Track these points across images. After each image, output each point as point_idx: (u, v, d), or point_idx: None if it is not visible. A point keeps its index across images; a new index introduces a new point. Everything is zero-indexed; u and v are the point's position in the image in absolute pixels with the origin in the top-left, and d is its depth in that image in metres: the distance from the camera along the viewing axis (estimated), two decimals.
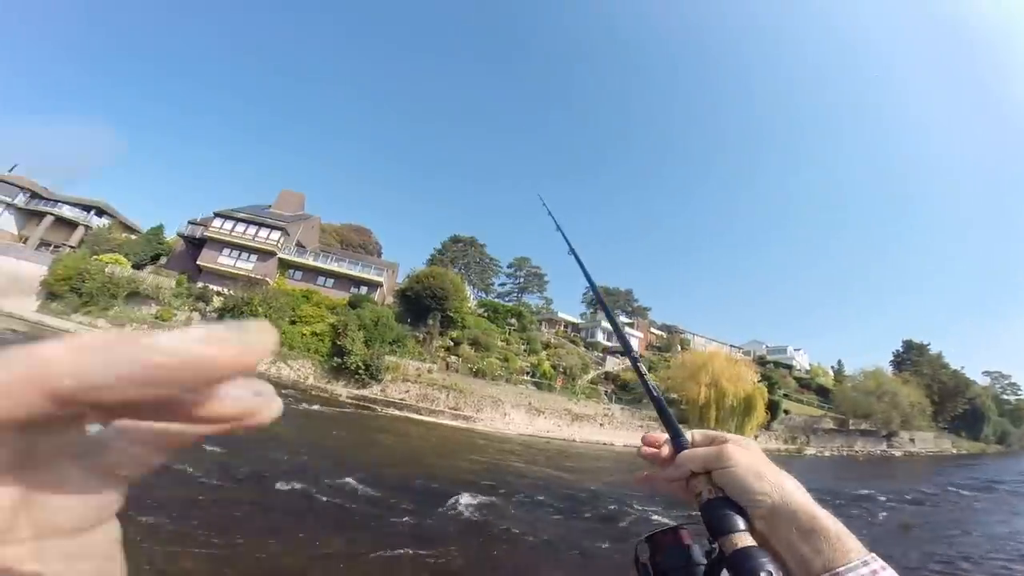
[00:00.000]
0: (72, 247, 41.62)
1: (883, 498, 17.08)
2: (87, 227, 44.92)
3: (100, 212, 47.82)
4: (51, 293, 33.38)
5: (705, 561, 0.65)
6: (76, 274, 33.30)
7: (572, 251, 1.72)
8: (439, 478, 12.13)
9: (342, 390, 30.48)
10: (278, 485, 8.71)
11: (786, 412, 45.83)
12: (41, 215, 45.00)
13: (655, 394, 0.86)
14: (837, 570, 0.55)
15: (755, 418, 38.12)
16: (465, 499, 9.77)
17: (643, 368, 0.93)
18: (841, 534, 0.58)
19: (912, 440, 51.59)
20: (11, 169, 47.29)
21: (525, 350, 42.83)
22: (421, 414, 29.38)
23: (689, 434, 0.76)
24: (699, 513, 0.68)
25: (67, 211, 45.80)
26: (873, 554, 0.57)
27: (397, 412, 28.57)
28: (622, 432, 34.79)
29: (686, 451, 0.72)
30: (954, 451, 55.10)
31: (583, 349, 48.64)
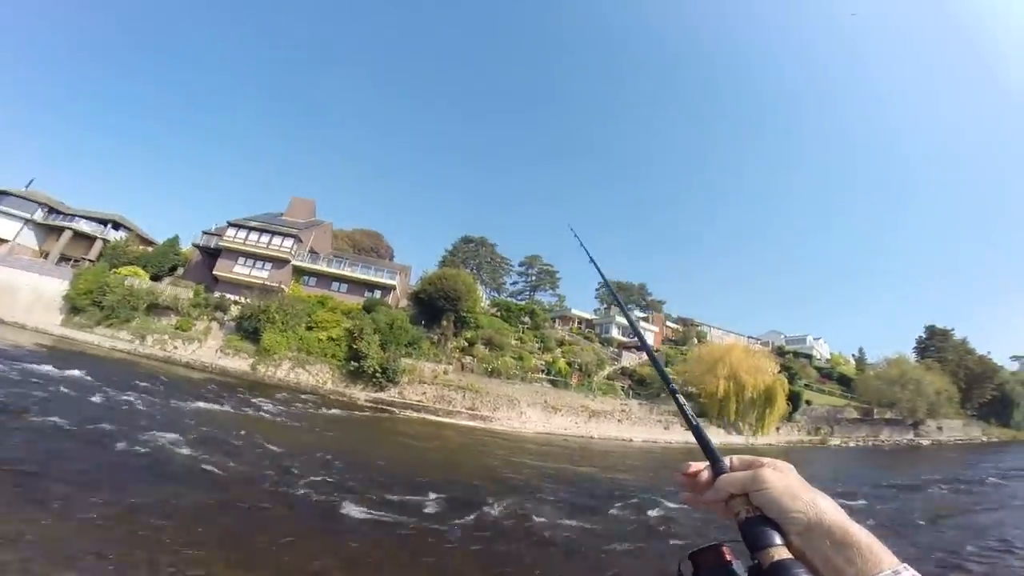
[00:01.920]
0: (91, 261, 42.48)
1: (912, 488, 16.75)
2: (105, 241, 45.74)
3: (116, 225, 48.65)
4: (74, 307, 34.18)
5: None
6: (97, 288, 34.15)
7: (592, 261, 1.92)
8: (459, 479, 12.19)
9: (360, 393, 30.75)
10: (301, 490, 8.80)
11: (808, 402, 45.23)
12: (60, 230, 45.89)
13: (693, 423, 0.92)
14: None
15: (776, 410, 37.61)
16: (486, 499, 9.80)
17: (682, 400, 0.99)
18: (873, 546, 0.63)
19: (940, 428, 50.12)
20: (28, 184, 48.22)
21: (539, 348, 42.82)
22: (438, 415, 29.55)
23: (728, 459, 0.84)
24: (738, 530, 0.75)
25: (84, 225, 46.64)
26: (905, 564, 0.61)
27: (414, 414, 28.74)
28: (640, 428, 34.67)
29: (724, 475, 0.80)
30: (984, 439, 53.17)
31: (598, 345, 48.46)
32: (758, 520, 0.72)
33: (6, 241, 43.27)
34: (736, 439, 36.14)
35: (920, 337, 68.16)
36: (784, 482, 0.74)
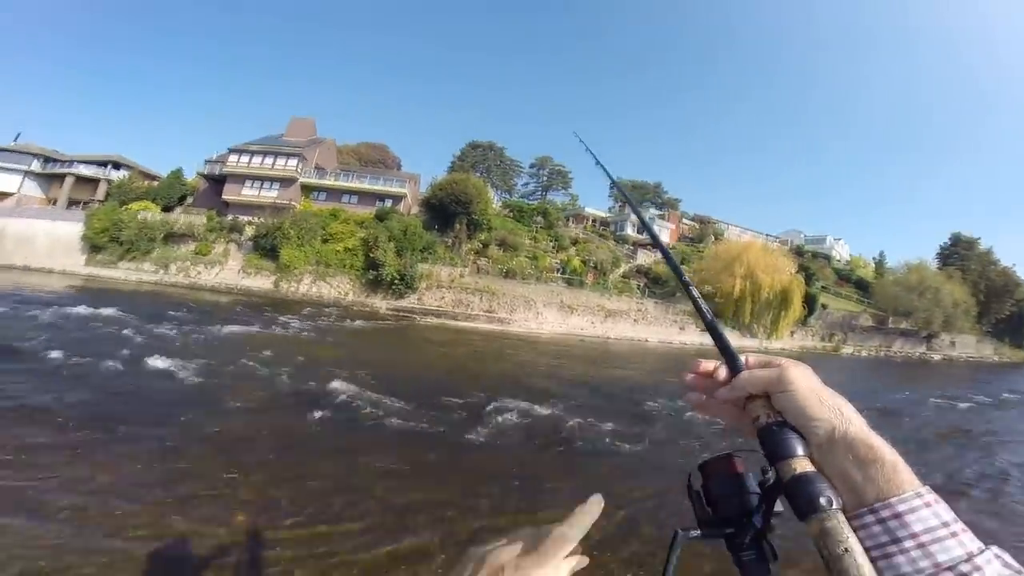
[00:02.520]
0: (100, 201, 42.89)
1: (921, 403, 16.70)
2: (108, 181, 45.84)
3: (117, 165, 48.53)
4: (94, 246, 35.05)
5: (758, 489, 0.64)
6: (112, 225, 34.84)
7: (599, 163, 1.83)
8: (482, 384, 12.49)
9: (381, 303, 31.58)
10: (335, 403, 9.20)
11: (824, 306, 44.62)
12: (61, 177, 46.09)
13: (709, 318, 0.82)
14: (890, 500, 0.55)
15: (791, 312, 37.14)
16: (508, 404, 10.06)
17: (696, 293, 0.87)
18: (898, 465, 0.57)
19: (953, 344, 49.08)
20: (16, 138, 47.92)
21: (553, 247, 42.67)
22: (458, 319, 30.33)
23: (743, 357, 0.74)
24: (754, 438, 0.67)
25: (84, 169, 46.71)
26: (927, 486, 0.56)
27: (435, 320, 29.50)
28: (655, 328, 35.19)
29: (744, 372, 0.71)
30: (996, 358, 51.76)
31: (612, 243, 48.02)
32: (779, 426, 0.64)
33: (10, 194, 43.80)
34: (749, 342, 36.01)
35: (944, 244, 64.64)
36: (808, 383, 0.66)
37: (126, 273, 33.26)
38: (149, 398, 8.60)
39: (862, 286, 58.80)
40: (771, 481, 0.62)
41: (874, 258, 76.43)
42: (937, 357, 46.22)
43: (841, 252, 76.69)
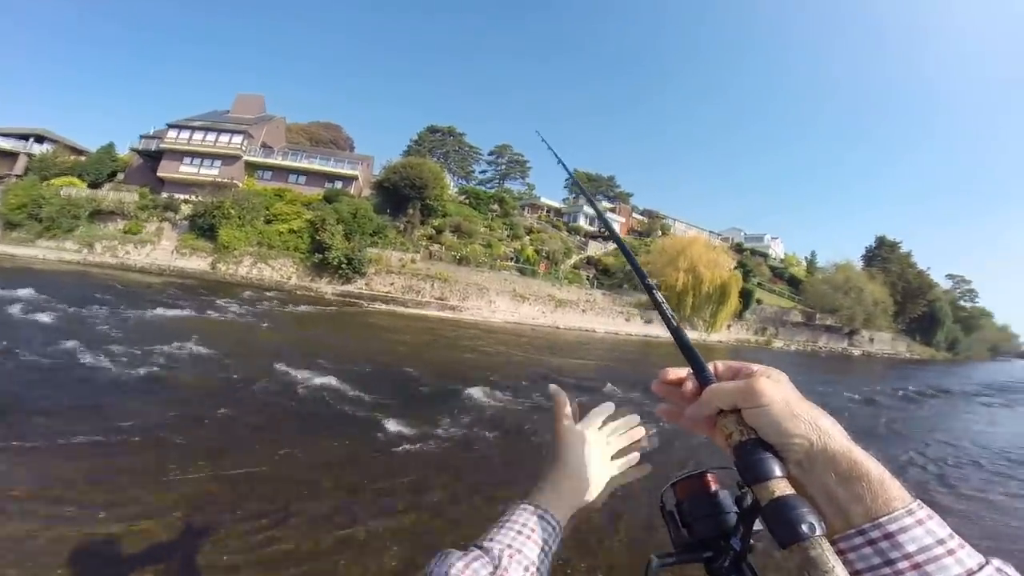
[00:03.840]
0: (18, 176, 39.51)
1: (852, 398, 17.68)
2: (29, 155, 42.20)
3: (40, 139, 44.63)
4: (8, 222, 32.21)
5: (735, 508, 0.61)
6: (31, 201, 32.21)
7: (560, 162, 1.80)
8: (432, 372, 12.36)
9: (327, 287, 30.61)
10: (273, 392, 8.80)
11: (759, 302, 46.94)
12: None
13: (674, 324, 0.75)
14: (879, 520, 0.50)
15: (729, 306, 38.70)
16: (460, 392, 9.96)
17: (660, 297, 0.80)
18: (884, 479, 0.52)
19: (871, 340, 53.28)
20: None
21: (508, 236, 42.61)
22: (408, 306, 29.80)
23: (712, 365, 0.69)
24: (729, 453, 0.61)
25: (2, 142, 42.76)
26: (918, 500, 0.52)
27: (383, 306, 28.82)
28: (603, 319, 35.85)
29: (712, 386, 0.64)
30: (908, 354, 56.69)
31: (565, 234, 48.61)
32: (754, 445, 0.58)
33: None
34: (691, 334, 36.11)
35: (869, 246, 69.50)
36: (782, 396, 0.59)
37: (44, 252, 30.69)
38: (70, 388, 7.91)
39: (794, 283, 62.04)
40: (749, 503, 0.58)
41: (806, 257, 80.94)
42: (857, 352, 49.72)
43: (777, 250, 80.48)
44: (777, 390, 0.60)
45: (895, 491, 0.51)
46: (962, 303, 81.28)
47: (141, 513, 4.53)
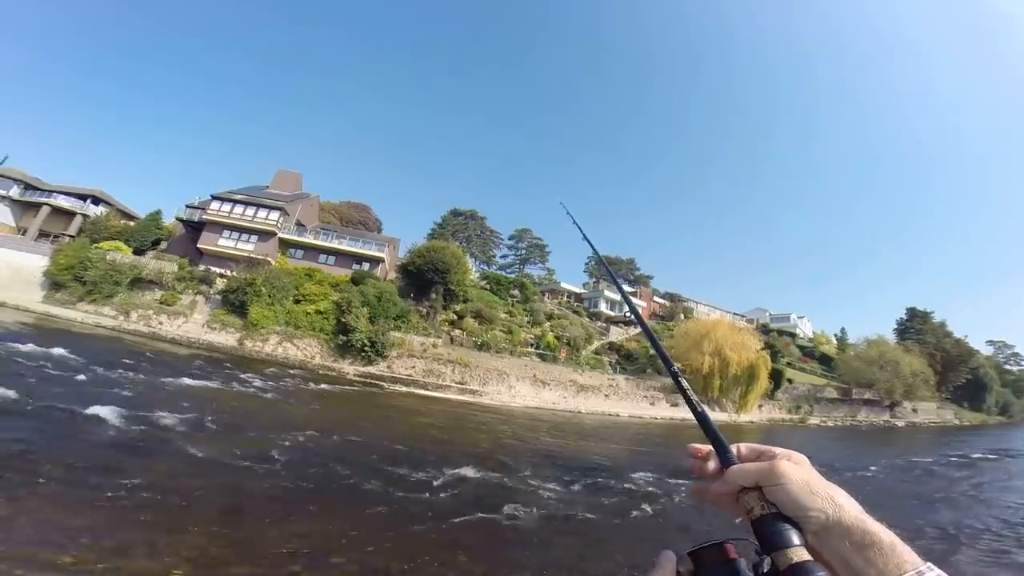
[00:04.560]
0: (71, 236, 41.62)
1: (892, 468, 17.09)
2: (84, 216, 44.80)
3: (96, 200, 47.59)
4: (55, 283, 33.51)
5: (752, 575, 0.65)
6: (78, 263, 33.40)
7: (586, 238, 2.05)
8: (448, 453, 12.28)
9: (349, 368, 30.75)
10: (289, 465, 8.82)
11: (790, 381, 45.84)
12: (37, 206, 44.85)
13: (699, 410, 0.86)
14: None
15: (758, 387, 37.93)
16: (472, 474, 9.90)
17: (685, 384, 0.94)
18: (896, 545, 0.59)
19: (915, 410, 51.11)
20: (2, 161, 46.91)
21: (528, 322, 42.90)
22: (428, 389, 29.67)
23: (735, 447, 0.78)
24: (749, 525, 0.69)
25: (63, 200, 45.55)
26: (929, 563, 0.57)
27: (404, 388, 28.81)
28: (627, 402, 35.18)
29: (736, 467, 0.74)
30: (956, 422, 54.41)
31: (586, 319, 48.73)
32: (774, 518, 0.66)
33: None
34: (719, 416, 36.27)
35: (900, 319, 69.03)
36: (800, 475, 0.68)
37: (83, 315, 31.74)
38: (88, 444, 8.11)
39: (825, 361, 60.68)
40: (766, 570, 0.62)
41: (836, 334, 79.51)
42: (901, 424, 47.84)
43: (805, 329, 79.07)
44: (797, 471, 0.69)
45: (906, 556, 0.57)
46: (1007, 367, 78.83)
47: (141, 570, 4.45)
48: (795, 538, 0.63)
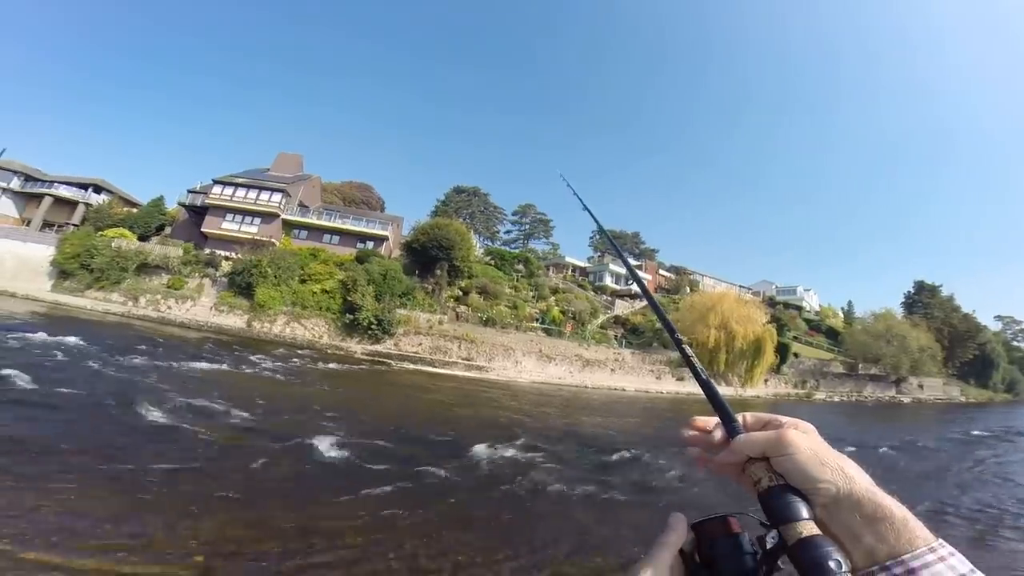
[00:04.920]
0: (75, 225, 41.85)
1: (898, 445, 17.18)
2: (87, 205, 45.01)
3: (98, 189, 47.76)
4: (62, 272, 33.84)
5: (754, 550, 0.64)
6: (84, 251, 33.70)
7: (586, 208, 1.95)
8: (458, 430, 12.44)
9: (356, 347, 31.02)
10: (303, 445, 8.98)
11: (796, 355, 45.69)
12: (39, 197, 45.16)
13: (703, 377, 0.83)
14: (902, 557, 0.54)
15: (764, 361, 37.86)
16: (483, 451, 10.01)
17: (689, 351, 0.91)
18: (908, 520, 0.57)
19: (921, 387, 50.85)
20: (1, 153, 46.78)
21: (534, 296, 42.97)
22: (435, 366, 29.90)
23: (740, 416, 0.76)
24: (755, 497, 0.67)
25: (64, 191, 45.78)
26: (940, 540, 0.56)
27: (411, 365, 29.01)
28: (632, 377, 35.28)
29: (742, 436, 0.71)
30: (962, 399, 53.91)
31: (591, 293, 48.73)
32: (782, 489, 0.64)
33: None
34: (725, 390, 36.07)
35: (908, 292, 67.89)
36: (809, 444, 0.66)
37: (92, 303, 32.07)
38: (106, 431, 8.28)
39: (832, 335, 60.28)
40: (774, 543, 0.61)
41: (843, 308, 78.82)
42: (907, 400, 47.62)
43: (811, 302, 78.56)
44: (805, 440, 0.66)
45: (918, 531, 0.56)
46: (1016, 343, 78.02)
47: (161, 554, 4.58)
48: (804, 511, 0.61)
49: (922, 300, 64.52)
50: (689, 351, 0.91)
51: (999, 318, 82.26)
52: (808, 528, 0.59)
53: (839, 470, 0.63)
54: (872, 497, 0.60)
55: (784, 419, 0.73)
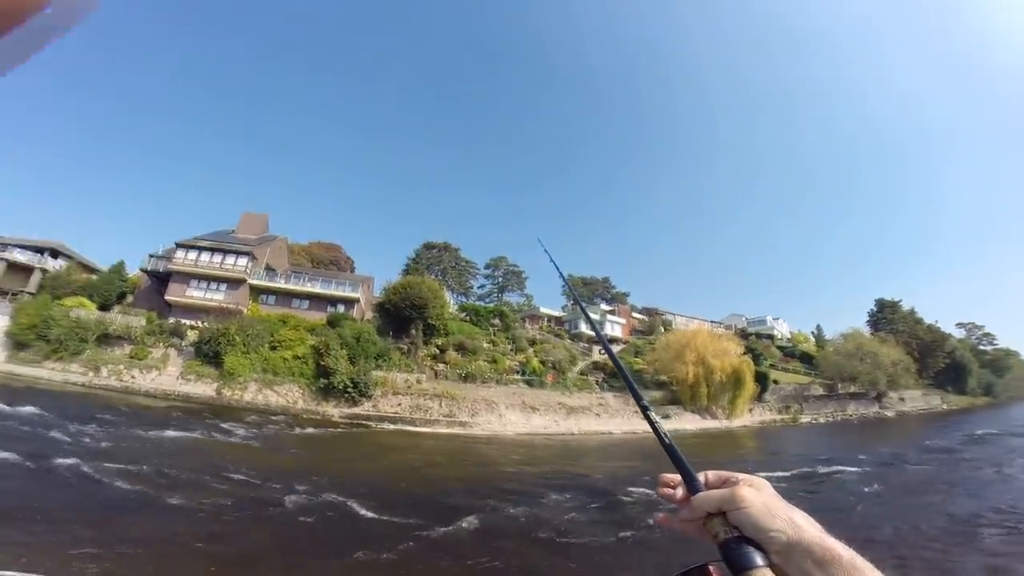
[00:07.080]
0: (31, 293, 39.79)
1: (881, 462, 17.38)
2: (43, 271, 42.97)
3: (55, 253, 45.73)
4: (18, 343, 31.90)
5: None
6: (41, 321, 31.91)
7: (561, 275, 2.05)
8: (443, 488, 12.02)
9: (333, 410, 29.90)
10: (286, 511, 8.46)
11: (775, 382, 46.58)
12: None
13: (667, 441, 0.89)
14: None
15: (745, 391, 38.45)
16: (471, 507, 9.64)
17: (654, 417, 0.97)
18: (855, 561, 0.63)
19: (902, 399, 52.04)
20: None
21: (512, 349, 42.71)
22: (416, 425, 29.04)
23: (703, 475, 0.83)
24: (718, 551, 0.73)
25: (19, 255, 43.46)
26: None
27: (392, 426, 28.16)
28: (618, 419, 34.96)
29: (700, 494, 0.79)
30: (944, 407, 55.31)
31: (568, 341, 48.82)
32: (738, 540, 0.70)
33: None
34: (712, 423, 36.78)
35: (871, 311, 70.63)
36: (760, 499, 0.73)
37: (51, 373, 30.22)
38: (72, 499, 7.67)
39: (806, 359, 61.76)
40: None
41: (812, 332, 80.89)
42: (891, 413, 48.47)
43: (782, 330, 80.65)
44: (756, 495, 0.73)
45: (867, 570, 0.62)
46: (982, 348, 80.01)
47: None
48: (758, 559, 0.67)
49: (885, 316, 67.22)
50: (654, 417, 0.96)
51: (960, 325, 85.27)
52: (764, 574, 0.65)
53: (788, 520, 0.69)
54: (821, 542, 0.66)
55: (740, 476, 0.80)
